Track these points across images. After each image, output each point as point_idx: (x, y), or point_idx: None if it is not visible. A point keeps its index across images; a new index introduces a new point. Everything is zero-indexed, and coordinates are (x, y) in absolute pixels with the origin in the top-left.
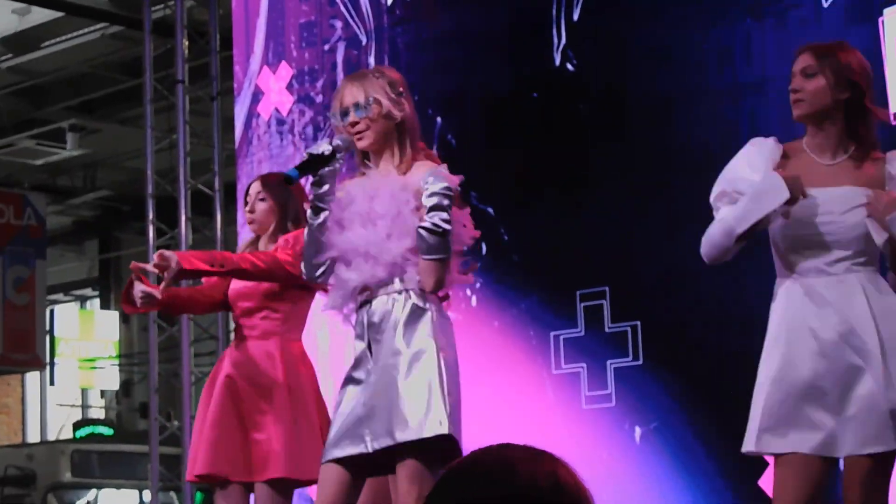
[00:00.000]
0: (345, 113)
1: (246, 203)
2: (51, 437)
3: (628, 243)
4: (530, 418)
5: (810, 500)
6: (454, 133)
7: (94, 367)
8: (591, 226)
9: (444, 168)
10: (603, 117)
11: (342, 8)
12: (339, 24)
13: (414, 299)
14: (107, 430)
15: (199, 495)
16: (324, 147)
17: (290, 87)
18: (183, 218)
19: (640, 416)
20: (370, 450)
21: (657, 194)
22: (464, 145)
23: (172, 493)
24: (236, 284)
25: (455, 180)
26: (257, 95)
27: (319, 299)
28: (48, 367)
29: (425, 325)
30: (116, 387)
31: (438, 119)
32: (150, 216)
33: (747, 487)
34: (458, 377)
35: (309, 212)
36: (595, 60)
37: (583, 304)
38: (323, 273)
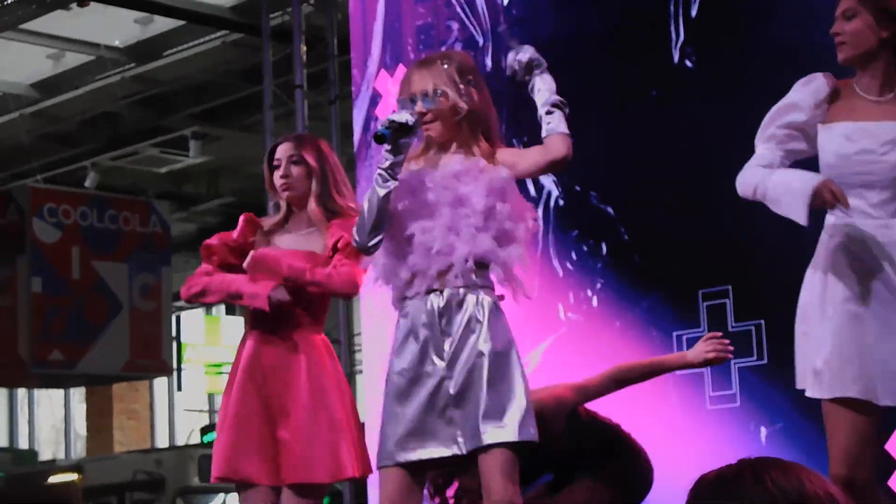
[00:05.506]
0: (412, 100)
1: (274, 168)
2: (179, 442)
3: (751, 241)
4: (654, 418)
5: None
6: (573, 133)
7: (221, 373)
8: (712, 224)
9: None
10: (723, 114)
11: (458, 9)
12: (455, 25)
13: (490, 297)
14: None
15: (326, 499)
16: (407, 117)
17: None
18: None
19: (765, 416)
20: (464, 451)
21: None
22: (583, 145)
23: None
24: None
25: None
26: (375, 99)
27: None
28: (175, 373)
29: (503, 326)
30: None
31: None
32: None
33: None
34: None
35: (378, 178)
36: (714, 56)
37: (706, 304)
38: (376, 245)
